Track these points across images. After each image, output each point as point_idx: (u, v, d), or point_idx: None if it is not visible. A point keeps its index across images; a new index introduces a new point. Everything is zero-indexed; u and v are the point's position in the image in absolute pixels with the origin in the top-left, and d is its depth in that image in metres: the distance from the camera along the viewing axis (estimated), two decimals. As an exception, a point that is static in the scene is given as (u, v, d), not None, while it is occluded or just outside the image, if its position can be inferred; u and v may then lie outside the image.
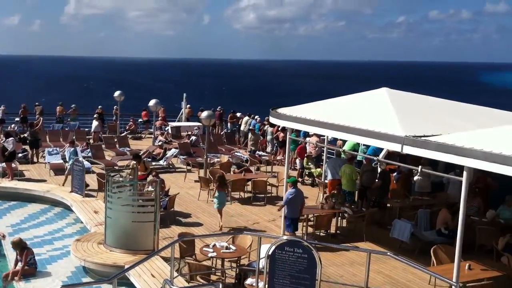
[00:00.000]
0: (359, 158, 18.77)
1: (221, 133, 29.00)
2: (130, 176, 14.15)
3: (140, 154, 19.67)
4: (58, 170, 20.02)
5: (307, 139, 20.67)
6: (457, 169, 12.70)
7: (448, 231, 12.50)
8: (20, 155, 21.81)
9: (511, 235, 11.78)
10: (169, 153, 22.14)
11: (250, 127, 25.48)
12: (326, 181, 16.21)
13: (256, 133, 24.91)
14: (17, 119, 29.73)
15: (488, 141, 9.32)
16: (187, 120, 31.22)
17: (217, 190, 14.49)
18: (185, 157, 22.23)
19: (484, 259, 11.32)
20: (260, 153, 23.51)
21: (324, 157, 18.31)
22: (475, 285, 9.80)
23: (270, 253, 9.04)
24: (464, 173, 9.57)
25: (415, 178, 11.41)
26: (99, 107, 30.94)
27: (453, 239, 10.47)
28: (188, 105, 31.74)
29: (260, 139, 24.94)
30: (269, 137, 24.86)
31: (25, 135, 25.81)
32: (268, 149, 24.87)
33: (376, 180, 15.95)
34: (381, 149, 16.44)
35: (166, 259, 11.06)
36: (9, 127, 28.30)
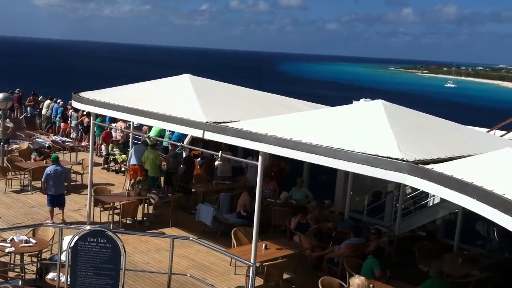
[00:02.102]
0: (165, 144, 19.03)
1: (20, 117, 27.21)
2: None
3: None
4: None
5: (113, 124, 20.35)
6: (255, 154, 13.53)
7: (247, 213, 13.29)
8: None
9: (302, 215, 12.91)
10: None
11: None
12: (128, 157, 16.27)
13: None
14: None
15: (281, 127, 9.97)
16: (-20, 103, 28.74)
17: None
18: (-22, 144, 20.53)
19: (279, 239, 12.20)
20: (64, 139, 22.60)
21: (130, 143, 18.28)
22: (271, 264, 10.49)
23: (72, 245, 8.84)
24: (260, 157, 10.14)
25: (216, 163, 11.89)
26: None
27: (251, 221, 11.06)
28: (-18, 87, 29.23)
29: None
30: (73, 123, 23.96)
31: None
32: (73, 135, 24.00)
33: (181, 166, 16.34)
34: (186, 135, 16.96)
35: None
36: None
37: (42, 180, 14.19)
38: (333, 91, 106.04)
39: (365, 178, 12.84)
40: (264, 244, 11.19)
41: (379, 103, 10.25)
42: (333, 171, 14.78)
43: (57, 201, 13.70)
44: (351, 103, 14.06)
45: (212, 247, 9.95)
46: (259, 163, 10.22)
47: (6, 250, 10.30)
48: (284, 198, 14.62)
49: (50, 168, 13.70)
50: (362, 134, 9.30)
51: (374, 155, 8.20)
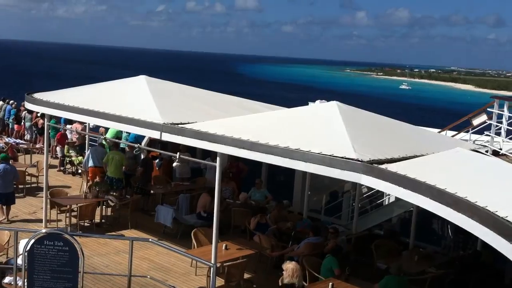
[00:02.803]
0: (122, 145, 18.86)
1: (-29, 119, 26.47)
2: None
3: None
4: None
5: (68, 126, 20.07)
6: (214, 155, 13.58)
7: (207, 214, 13.32)
8: None
9: (261, 215, 13.03)
10: None
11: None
12: (87, 168, 16.05)
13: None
14: None
15: (238, 128, 10.05)
16: None
17: None
18: None
19: (239, 239, 12.28)
20: (18, 141, 22.13)
21: (87, 145, 18.04)
22: (231, 264, 10.56)
23: (28, 248, 8.72)
24: (218, 158, 10.17)
25: (174, 164, 11.89)
26: None
27: (211, 222, 11.11)
28: None
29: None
30: (27, 124, 23.50)
31: None
32: (27, 136, 23.53)
33: (139, 167, 16.25)
34: (143, 136, 16.86)
35: None
36: None
37: None
38: (289, 92, 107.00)
39: (322, 178, 13.06)
40: (224, 245, 11.25)
41: (334, 104, 10.43)
42: (291, 172, 14.97)
43: (6, 199, 13.77)
44: (307, 104, 14.26)
45: (172, 248, 9.97)
46: (217, 164, 10.25)
47: (-40, 255, 10.09)
48: (243, 199, 14.71)
49: None
50: (318, 135, 9.47)
51: (330, 155, 8.36)
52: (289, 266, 9.28)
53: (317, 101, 14.08)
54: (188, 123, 10.90)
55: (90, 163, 15.93)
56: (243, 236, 13.03)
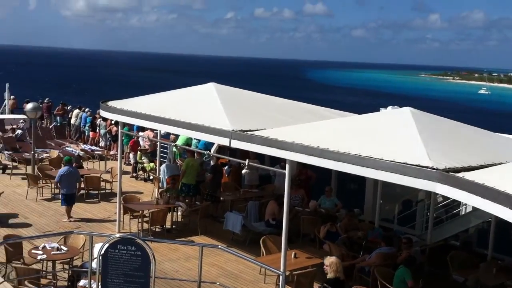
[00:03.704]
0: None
1: (50, 126, 27.65)
2: None
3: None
4: None
5: (140, 133, 20.55)
6: (282, 162, 13.50)
7: (276, 221, 13.25)
8: None
9: (331, 223, 12.82)
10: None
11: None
12: (161, 176, 16.33)
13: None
14: None
15: (308, 135, 9.95)
16: (11, 112, 29.30)
17: None
18: (10, 152, 20.89)
19: (308, 247, 12.15)
20: (93, 148, 22.88)
21: (158, 152, 18.39)
22: (300, 273, 10.42)
23: (102, 252, 8.92)
24: (287, 166, 10.11)
25: (244, 171, 11.90)
26: None
27: (280, 229, 11.04)
28: (12, 96, 29.81)
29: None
30: (102, 131, 24.28)
31: None
32: (102, 143, 24.29)
33: (208, 174, 16.39)
34: (212, 143, 17.02)
35: (-10, 265, 10.43)
36: None
37: (56, 180, 15.05)
38: (360, 98, 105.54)
39: (395, 186, 12.70)
40: (293, 253, 11.16)
41: (407, 110, 10.14)
42: (362, 179, 14.67)
43: (69, 200, 14.61)
44: (379, 110, 13.94)
45: (241, 255, 9.92)
46: (287, 171, 10.20)
47: (38, 257, 10.48)
48: (313, 207, 14.54)
49: (63, 169, 14.81)
50: (391, 142, 9.22)
51: (403, 163, 8.12)
52: (332, 261, 9.32)
53: (389, 107, 13.74)
54: (257, 130, 10.90)
55: (168, 174, 16.18)
56: (312, 244, 12.90)
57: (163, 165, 16.91)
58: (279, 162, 13.71)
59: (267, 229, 13.21)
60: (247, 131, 10.81)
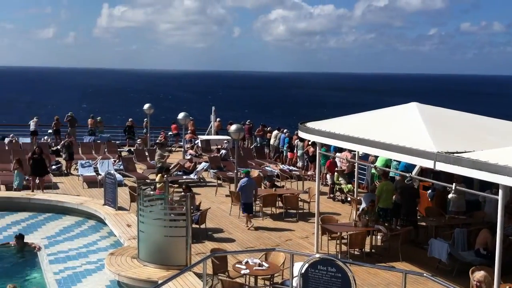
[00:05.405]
0: (391, 174, 18.49)
1: (251, 147, 28.94)
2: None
3: (170, 167, 19.83)
4: (91, 182, 20.28)
5: (338, 154, 20.46)
6: (494, 187, 12.42)
7: (487, 251, 12.16)
8: (54, 167, 22.17)
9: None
10: (199, 167, 22.17)
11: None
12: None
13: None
14: (50, 131, 30.18)
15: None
16: (216, 133, 31.29)
17: None
18: (215, 171, 22.20)
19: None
20: (291, 168, 23.37)
21: (356, 173, 18.12)
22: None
23: (303, 271, 8.91)
24: (500, 191, 9.40)
25: (450, 196, 11.13)
26: (130, 119, 31.41)
27: (492, 261, 10.19)
28: (218, 119, 31.81)
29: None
30: (299, 152, 24.71)
31: (58, 147, 26.22)
32: (299, 164, 24.71)
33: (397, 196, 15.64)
34: (413, 165, 16.26)
35: (198, 275, 10.99)
36: (42, 139, 28.77)
37: (237, 190, 16.43)
38: None
39: None
40: (508, 287, 10.11)
41: None
42: None
43: (248, 208, 15.81)
44: None
45: (448, 285, 9.19)
46: (500, 197, 9.43)
47: (242, 272, 10.83)
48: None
49: (243, 180, 16.01)
50: None
51: None
52: (484, 274, 8.82)
53: None
54: (465, 152, 10.27)
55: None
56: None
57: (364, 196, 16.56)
58: (490, 187, 12.68)
59: (477, 259, 12.16)
60: (453, 153, 10.22)
